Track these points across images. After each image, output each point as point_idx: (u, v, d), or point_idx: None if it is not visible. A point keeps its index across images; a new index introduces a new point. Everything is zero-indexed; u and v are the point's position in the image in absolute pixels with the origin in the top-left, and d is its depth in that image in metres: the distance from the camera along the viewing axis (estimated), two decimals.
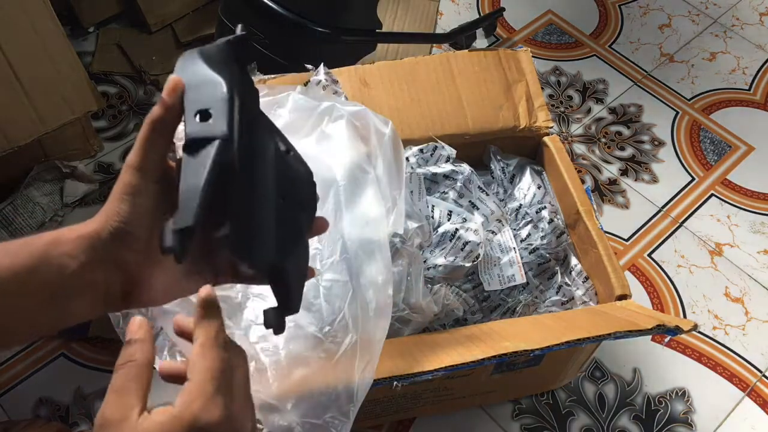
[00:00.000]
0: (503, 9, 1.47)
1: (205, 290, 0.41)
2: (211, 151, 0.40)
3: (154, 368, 0.41)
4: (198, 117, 0.41)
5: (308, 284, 0.71)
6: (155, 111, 0.42)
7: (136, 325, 0.41)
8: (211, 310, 0.41)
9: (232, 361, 0.41)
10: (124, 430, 0.37)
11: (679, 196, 1.26)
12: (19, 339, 0.42)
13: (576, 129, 1.34)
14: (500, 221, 0.94)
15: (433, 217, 0.91)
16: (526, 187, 0.97)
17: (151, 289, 0.44)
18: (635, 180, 1.28)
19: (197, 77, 0.43)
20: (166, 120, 0.42)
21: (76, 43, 1.38)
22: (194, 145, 0.41)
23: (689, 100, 1.39)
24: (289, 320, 0.72)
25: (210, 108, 0.42)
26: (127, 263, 0.42)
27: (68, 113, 1.10)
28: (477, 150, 1.01)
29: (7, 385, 1.01)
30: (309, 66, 0.93)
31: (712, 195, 1.27)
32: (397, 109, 0.95)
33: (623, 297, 0.85)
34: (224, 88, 0.42)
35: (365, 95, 0.96)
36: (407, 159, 0.93)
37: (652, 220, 1.23)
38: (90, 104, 1.13)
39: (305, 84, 0.90)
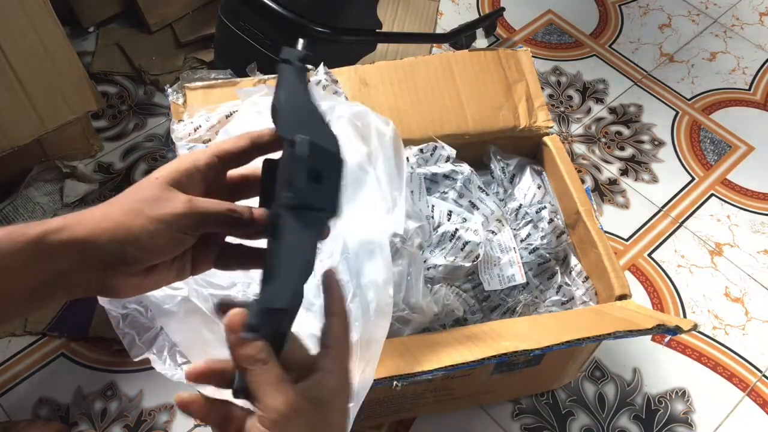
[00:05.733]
0: (503, 9, 1.47)
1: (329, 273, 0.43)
2: (318, 227, 0.40)
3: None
4: (310, 176, 0.40)
5: (308, 284, 0.71)
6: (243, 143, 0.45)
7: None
8: (336, 283, 0.43)
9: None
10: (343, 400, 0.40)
11: (679, 196, 1.26)
12: None
13: (576, 129, 1.34)
14: (500, 221, 0.94)
15: (433, 217, 0.91)
16: (526, 187, 0.97)
17: (132, 287, 0.44)
18: (635, 180, 1.28)
19: (303, 112, 0.43)
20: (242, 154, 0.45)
21: (76, 43, 1.38)
22: (302, 210, 0.40)
23: (689, 100, 1.39)
24: None
25: (324, 172, 0.41)
26: (113, 266, 0.41)
27: (68, 113, 1.10)
28: (477, 150, 1.01)
29: (7, 385, 1.01)
30: (309, 66, 0.93)
31: (712, 195, 1.27)
32: (397, 109, 0.95)
33: (623, 297, 0.85)
34: (342, 160, 0.42)
35: (365, 95, 0.96)
36: (407, 159, 0.93)
37: (652, 220, 1.23)
38: (90, 104, 1.13)
39: None
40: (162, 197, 0.42)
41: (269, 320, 0.38)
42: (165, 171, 0.44)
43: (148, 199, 0.42)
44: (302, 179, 0.40)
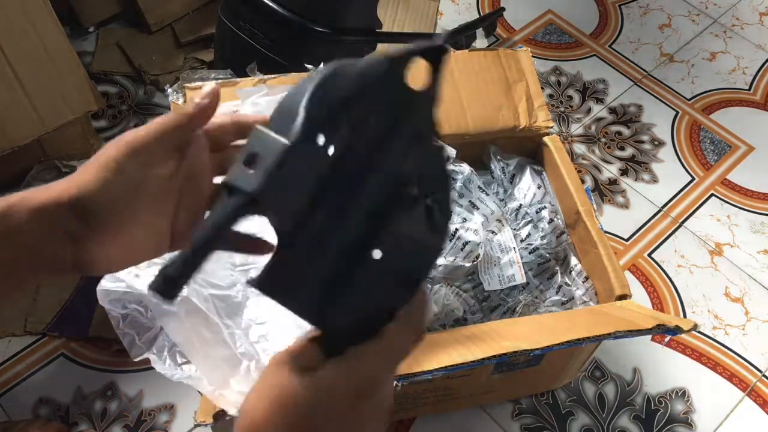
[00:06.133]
0: (503, 9, 1.47)
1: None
2: (228, 204, 0.37)
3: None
4: (244, 160, 0.38)
5: None
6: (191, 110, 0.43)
7: None
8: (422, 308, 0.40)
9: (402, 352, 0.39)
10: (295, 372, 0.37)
11: (679, 196, 1.26)
12: None
13: (576, 129, 1.34)
14: (500, 221, 0.94)
15: None
16: (526, 187, 0.97)
17: (106, 260, 0.42)
18: (635, 180, 1.28)
19: (291, 105, 0.39)
20: (192, 123, 0.43)
21: (76, 43, 1.38)
22: (227, 190, 0.38)
23: (689, 100, 1.40)
24: (290, 319, 0.72)
25: (259, 155, 0.38)
26: (81, 237, 0.40)
27: (68, 113, 1.10)
28: (477, 150, 1.01)
29: (7, 385, 1.01)
30: (309, 66, 0.93)
31: (712, 195, 1.27)
32: None
33: (623, 297, 0.85)
34: (281, 141, 0.37)
35: None
36: None
37: (652, 220, 1.23)
38: (90, 104, 1.13)
39: None
40: (114, 144, 0.41)
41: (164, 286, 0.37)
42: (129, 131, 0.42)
43: (103, 151, 0.41)
44: (236, 162, 0.38)
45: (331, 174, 0.39)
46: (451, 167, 0.94)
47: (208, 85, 0.44)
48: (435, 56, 0.43)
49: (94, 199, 0.39)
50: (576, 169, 1.18)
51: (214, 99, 0.44)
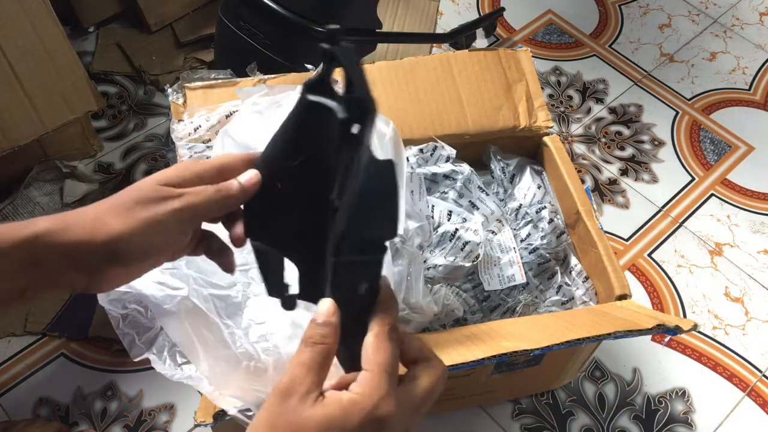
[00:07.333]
0: (503, 9, 1.47)
1: (385, 283, 0.44)
2: None
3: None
4: None
5: None
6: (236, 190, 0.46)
7: (331, 309, 0.43)
8: (389, 302, 0.43)
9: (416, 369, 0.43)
10: (307, 403, 0.38)
11: (679, 196, 1.26)
12: None
13: (576, 129, 1.34)
14: (500, 221, 0.94)
15: (433, 217, 0.91)
16: (526, 187, 0.97)
17: (114, 283, 0.45)
18: (635, 180, 1.28)
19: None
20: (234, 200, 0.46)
21: (76, 43, 1.38)
22: None
23: (689, 100, 1.40)
24: (289, 319, 0.72)
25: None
26: (101, 271, 0.43)
27: (68, 113, 1.10)
28: (477, 150, 1.01)
29: (7, 385, 1.01)
30: (309, 66, 0.93)
31: (712, 195, 1.27)
32: (397, 109, 0.95)
33: (623, 297, 0.85)
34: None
35: None
36: (407, 159, 0.93)
37: (652, 220, 1.23)
38: (90, 104, 1.13)
39: None
40: (155, 197, 0.43)
41: None
42: (160, 173, 0.45)
43: (143, 200, 0.43)
44: None
45: (294, 172, 0.47)
46: (451, 167, 0.94)
47: (253, 173, 0.47)
48: (360, 117, 0.49)
49: (129, 247, 0.42)
50: (576, 169, 1.18)
51: (256, 186, 0.47)
